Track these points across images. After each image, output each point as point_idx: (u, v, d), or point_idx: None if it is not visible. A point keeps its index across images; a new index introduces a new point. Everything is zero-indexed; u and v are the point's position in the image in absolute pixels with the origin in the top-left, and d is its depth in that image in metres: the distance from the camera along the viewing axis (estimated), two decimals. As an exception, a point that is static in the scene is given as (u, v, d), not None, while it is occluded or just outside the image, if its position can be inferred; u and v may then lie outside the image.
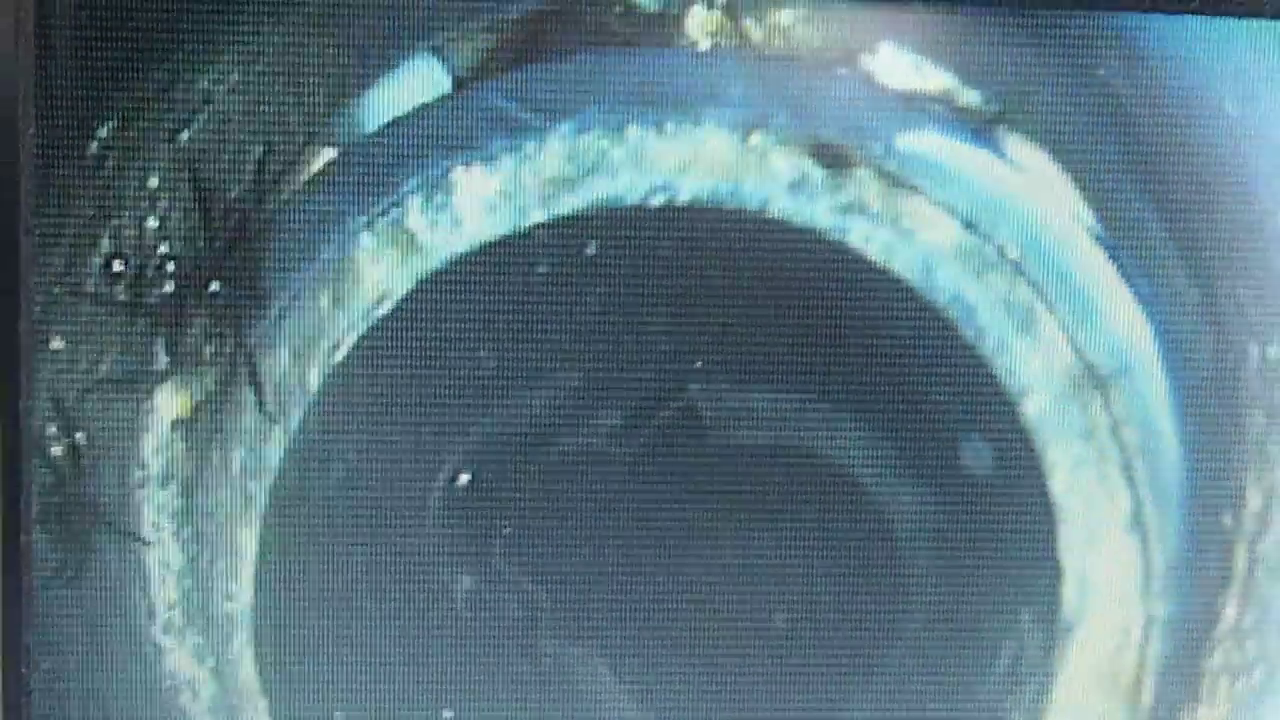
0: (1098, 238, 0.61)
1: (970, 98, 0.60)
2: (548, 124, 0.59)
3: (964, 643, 0.62)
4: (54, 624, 0.59)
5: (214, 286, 0.59)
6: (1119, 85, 0.60)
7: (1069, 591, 0.62)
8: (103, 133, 0.57)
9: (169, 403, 0.59)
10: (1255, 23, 0.59)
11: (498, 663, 0.61)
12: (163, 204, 0.58)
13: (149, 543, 0.59)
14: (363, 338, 0.59)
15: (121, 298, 0.58)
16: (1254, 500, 0.62)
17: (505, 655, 0.61)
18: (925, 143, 0.60)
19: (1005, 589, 0.62)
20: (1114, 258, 0.61)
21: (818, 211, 0.60)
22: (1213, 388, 0.61)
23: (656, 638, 0.61)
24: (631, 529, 0.60)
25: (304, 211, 0.58)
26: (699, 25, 0.59)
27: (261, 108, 0.58)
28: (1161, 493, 0.61)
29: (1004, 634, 0.62)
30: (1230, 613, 0.62)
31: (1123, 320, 0.61)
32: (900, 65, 0.59)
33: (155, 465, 0.59)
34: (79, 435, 0.59)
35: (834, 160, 0.60)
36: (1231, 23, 0.59)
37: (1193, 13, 0.59)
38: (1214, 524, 0.62)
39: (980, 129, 0.60)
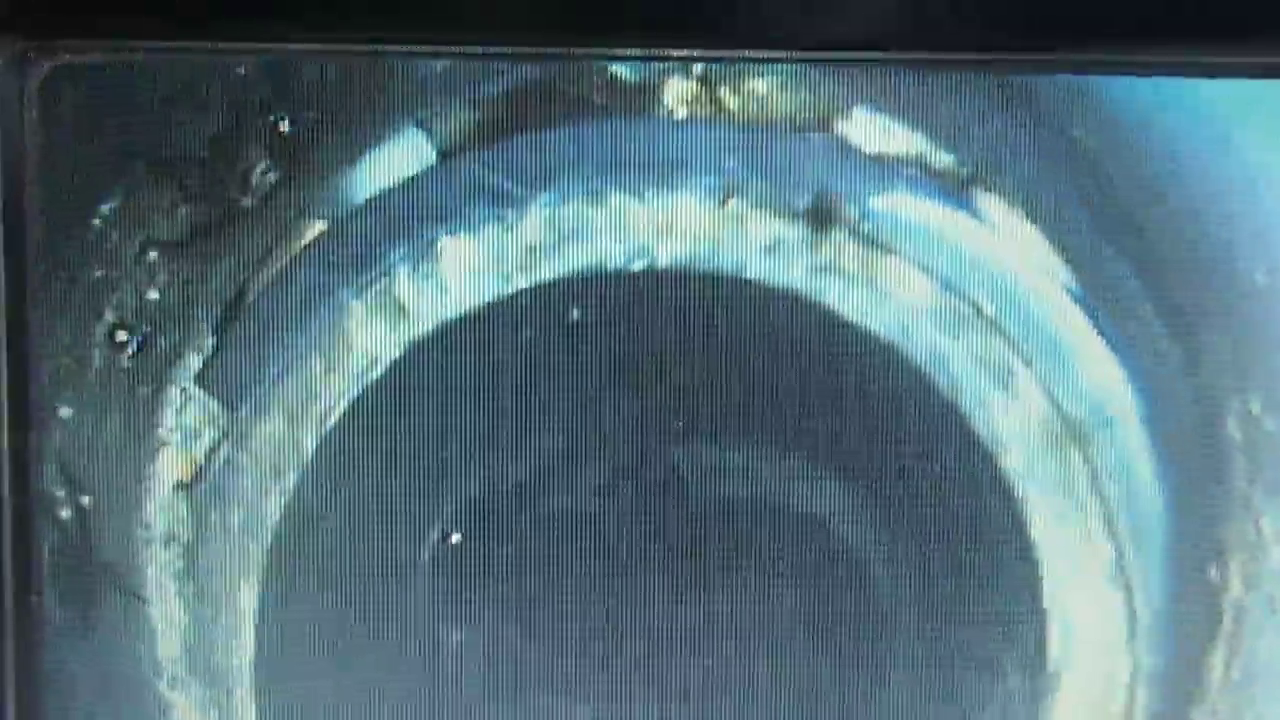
0: (1073, 294, 0.69)
1: (943, 159, 0.68)
2: (530, 193, 0.68)
3: (950, 695, 0.70)
4: (64, 679, 0.69)
5: (212, 354, 0.68)
6: (1091, 144, 0.68)
7: (1054, 643, 0.70)
8: (105, 210, 0.67)
9: (171, 466, 0.69)
10: (1226, 83, 0.67)
11: (489, 715, 0.70)
12: (163, 276, 0.68)
13: (146, 600, 0.68)
14: (354, 402, 0.68)
15: (125, 366, 0.68)
16: (1238, 554, 0.69)
17: (496, 708, 0.70)
18: (900, 204, 0.68)
19: (990, 642, 0.70)
20: (1090, 314, 0.69)
21: (795, 273, 0.68)
22: (1194, 441, 0.69)
23: (643, 691, 0.70)
24: (617, 585, 0.69)
25: (296, 281, 0.68)
26: (676, 95, 0.68)
27: (255, 183, 0.67)
28: (1144, 544, 0.69)
29: (990, 686, 0.70)
30: (1218, 665, 0.70)
31: (1100, 375, 0.69)
32: (874, 129, 0.68)
33: (159, 526, 0.69)
34: (86, 498, 0.68)
35: (819, 218, 0.68)
36: (1203, 83, 0.67)
37: (1162, 74, 0.67)
38: (1198, 576, 0.69)
39: (954, 190, 0.68)
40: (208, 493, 0.69)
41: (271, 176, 0.67)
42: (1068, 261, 0.69)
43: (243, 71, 0.66)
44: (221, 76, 0.66)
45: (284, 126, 0.67)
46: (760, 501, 0.69)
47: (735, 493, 0.69)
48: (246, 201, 0.68)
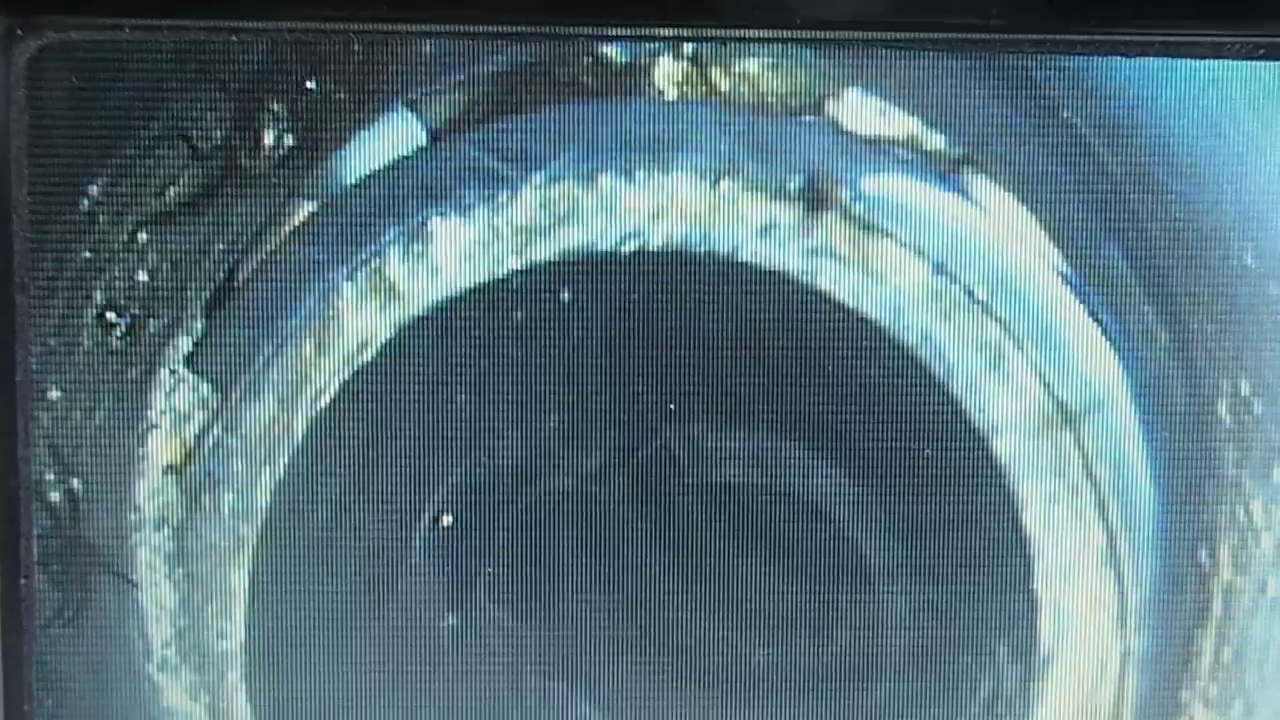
0: (1065, 277, 0.69)
1: (936, 141, 0.68)
2: (521, 174, 0.68)
3: (941, 678, 0.70)
4: (55, 662, 0.69)
5: (202, 336, 0.68)
6: (1083, 126, 0.68)
7: (1045, 626, 0.70)
8: (93, 190, 0.67)
9: (161, 449, 0.69)
10: (1217, 63, 0.67)
11: (482, 698, 0.70)
12: (152, 257, 0.68)
13: (136, 583, 0.68)
14: (346, 384, 0.68)
15: (114, 348, 0.68)
16: (1229, 537, 0.69)
17: (490, 691, 0.70)
18: (892, 186, 0.68)
19: (981, 625, 0.70)
20: (1081, 296, 0.69)
21: (787, 255, 0.68)
22: (1185, 424, 0.69)
23: (637, 673, 0.69)
24: (609, 567, 0.69)
25: (287, 263, 0.68)
26: (667, 75, 0.68)
27: (245, 163, 0.67)
28: (1135, 528, 0.69)
29: (981, 669, 0.70)
30: (1208, 647, 0.70)
31: (1092, 358, 0.69)
32: (866, 111, 0.68)
33: (149, 509, 0.69)
34: (76, 481, 0.68)
35: (811, 200, 0.68)
36: (1194, 64, 0.67)
37: (1155, 55, 0.67)
38: (1189, 559, 0.70)
39: (946, 172, 0.68)
40: (198, 475, 0.69)
41: (261, 156, 0.67)
42: (1059, 244, 0.69)
43: (232, 51, 0.66)
44: (210, 55, 0.66)
45: (274, 106, 0.67)
46: (752, 483, 0.69)
47: (727, 474, 0.69)
48: (236, 181, 0.67)
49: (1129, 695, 0.70)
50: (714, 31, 0.67)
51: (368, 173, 0.68)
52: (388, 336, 0.68)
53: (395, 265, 0.68)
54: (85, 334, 0.68)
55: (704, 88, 0.68)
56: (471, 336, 0.68)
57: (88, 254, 0.67)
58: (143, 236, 0.68)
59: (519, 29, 0.66)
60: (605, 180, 0.68)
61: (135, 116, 0.66)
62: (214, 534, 0.69)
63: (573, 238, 0.68)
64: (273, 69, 0.67)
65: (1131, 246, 0.69)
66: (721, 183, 0.68)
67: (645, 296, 0.68)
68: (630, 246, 0.68)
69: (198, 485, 0.69)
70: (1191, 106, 0.68)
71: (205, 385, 0.68)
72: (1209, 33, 0.67)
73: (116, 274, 0.68)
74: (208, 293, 0.68)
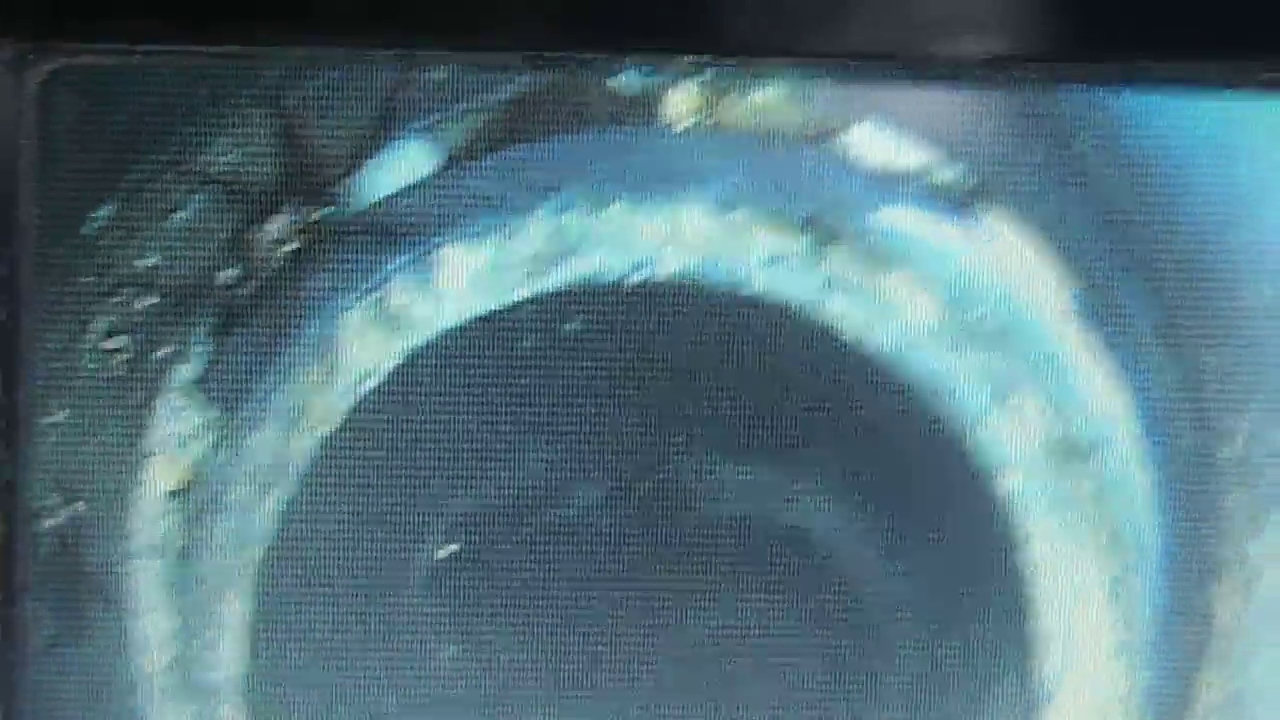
0: (1076, 311, 0.69)
1: (948, 173, 0.68)
2: (530, 203, 0.68)
3: (943, 712, 0.70)
4: (49, 691, 0.68)
5: (206, 362, 0.68)
6: (1096, 160, 0.68)
7: (1051, 660, 0.70)
8: (101, 213, 0.67)
9: (162, 474, 0.68)
10: (1234, 95, 0.68)
11: (483, 730, 0.70)
12: (157, 283, 0.67)
13: (135, 611, 0.68)
14: (350, 412, 0.68)
15: (118, 373, 0.68)
16: (1236, 571, 0.70)
17: (491, 722, 0.70)
18: (903, 218, 0.68)
19: (985, 659, 0.70)
20: (1092, 330, 0.69)
21: (796, 287, 0.68)
22: (1194, 460, 0.69)
23: (640, 708, 0.70)
24: (614, 601, 0.69)
25: (293, 289, 0.68)
26: (679, 106, 0.68)
27: (254, 189, 0.67)
28: (1141, 564, 0.70)
29: (984, 704, 0.70)
30: (1213, 683, 0.70)
31: (1102, 393, 0.69)
32: (878, 142, 0.68)
33: (149, 535, 0.68)
34: (75, 506, 0.68)
35: (821, 232, 0.68)
36: (1211, 96, 0.68)
37: (1171, 86, 0.67)
38: (1194, 594, 0.70)
39: (958, 204, 0.68)
40: (199, 501, 0.69)
41: (269, 181, 0.67)
42: (1071, 278, 0.69)
43: (243, 77, 0.66)
44: (221, 81, 0.66)
45: (284, 132, 0.67)
46: (759, 518, 0.69)
47: (733, 508, 0.69)
48: (244, 207, 0.67)
49: (1133, 731, 0.71)
50: (725, 61, 0.67)
51: (376, 199, 0.68)
52: (394, 364, 0.68)
53: (402, 293, 0.68)
54: (88, 357, 0.67)
55: (715, 119, 0.68)
56: (478, 365, 0.68)
57: (93, 277, 0.67)
58: (149, 261, 0.67)
59: (532, 56, 0.66)
60: (615, 210, 0.68)
61: (145, 141, 0.66)
62: (214, 561, 0.69)
63: (581, 267, 0.68)
64: (284, 94, 0.66)
65: (1144, 281, 0.69)
66: (732, 213, 0.68)
67: (653, 327, 0.68)
68: (639, 276, 0.68)
69: (199, 511, 0.69)
70: (1208, 139, 0.68)
71: (208, 411, 0.68)
72: (1226, 64, 0.67)
73: (121, 298, 0.67)
74: (212, 318, 0.68)
